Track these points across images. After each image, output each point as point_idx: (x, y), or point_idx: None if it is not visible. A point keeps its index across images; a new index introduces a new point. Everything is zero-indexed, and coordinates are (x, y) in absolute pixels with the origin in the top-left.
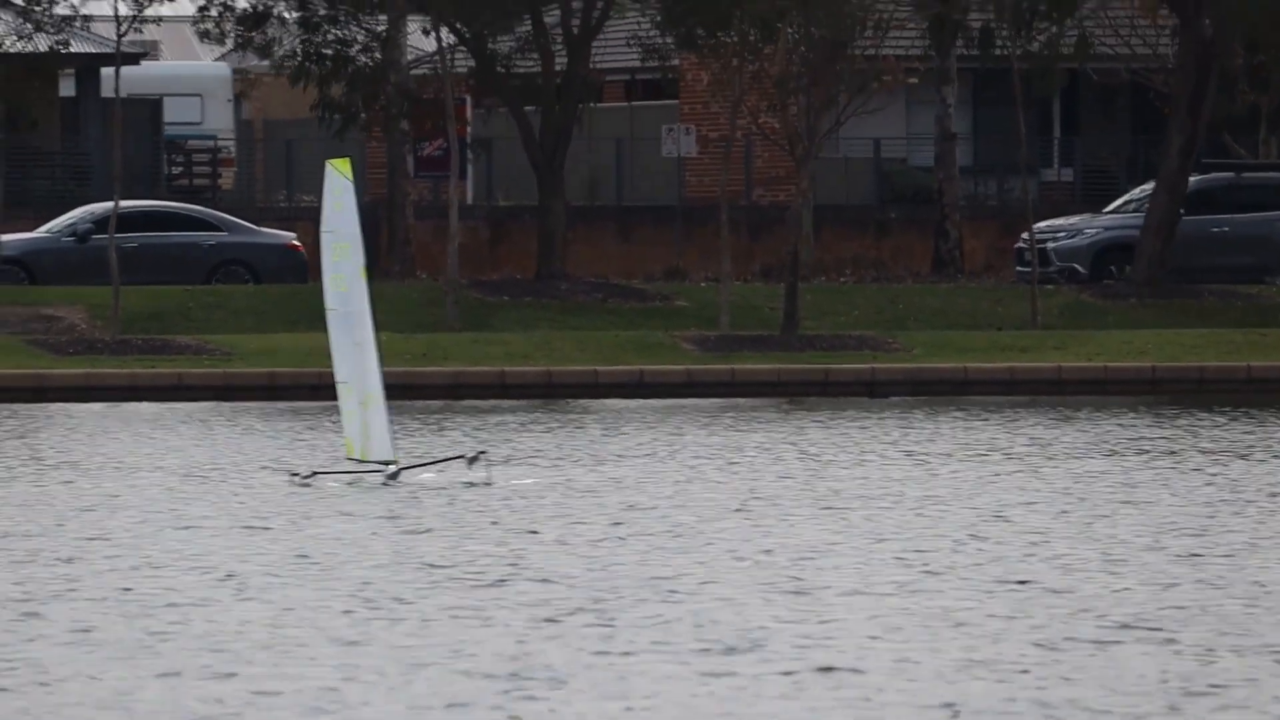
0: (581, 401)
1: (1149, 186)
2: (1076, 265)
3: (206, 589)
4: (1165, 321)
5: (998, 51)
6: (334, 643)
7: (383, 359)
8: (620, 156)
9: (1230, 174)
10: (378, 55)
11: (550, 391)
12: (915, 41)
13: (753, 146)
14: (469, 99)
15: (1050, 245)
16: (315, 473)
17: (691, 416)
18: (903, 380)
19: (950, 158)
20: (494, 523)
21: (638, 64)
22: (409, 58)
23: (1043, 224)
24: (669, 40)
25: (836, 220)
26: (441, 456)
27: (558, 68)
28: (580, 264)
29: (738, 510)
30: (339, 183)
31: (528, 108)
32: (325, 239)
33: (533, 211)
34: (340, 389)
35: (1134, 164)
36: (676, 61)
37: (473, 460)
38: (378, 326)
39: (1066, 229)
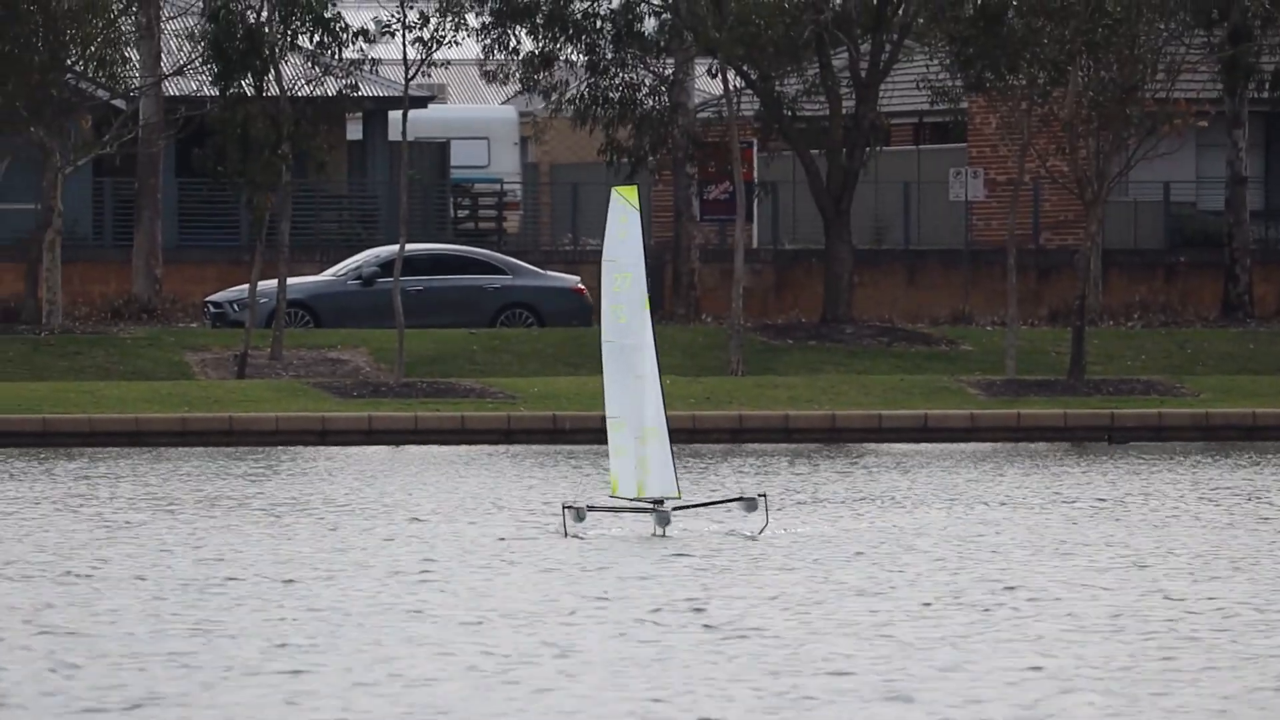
0: (874, 446)
1: None
2: None
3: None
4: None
5: None
6: None
7: (665, 393)
8: (907, 200)
9: None
10: (665, 98)
11: (834, 436)
12: (1206, 84)
13: (1041, 190)
14: (755, 142)
15: None
16: (591, 508)
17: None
18: (1190, 425)
19: (1241, 201)
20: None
21: (926, 107)
22: (696, 101)
23: None
24: (957, 83)
25: (1125, 264)
26: (719, 498)
27: (845, 110)
28: (866, 308)
29: None
30: (624, 210)
31: (814, 151)
32: (606, 268)
33: (818, 255)
34: (610, 424)
35: None
36: (965, 104)
37: (749, 502)
38: (661, 368)
39: None
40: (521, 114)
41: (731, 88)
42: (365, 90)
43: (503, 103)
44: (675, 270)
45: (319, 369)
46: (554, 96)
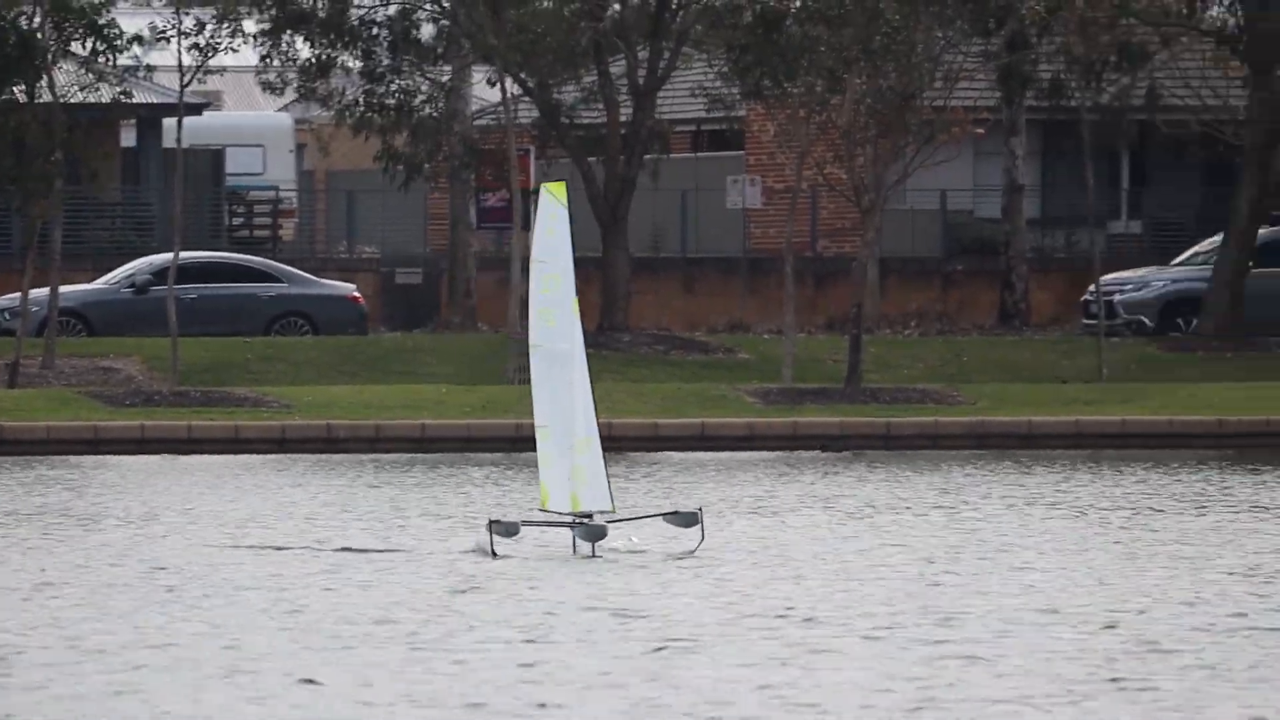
0: (646, 455)
1: (1218, 239)
2: (1143, 318)
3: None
4: (1233, 375)
5: (1066, 103)
6: None
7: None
8: (685, 208)
9: None
10: (442, 105)
11: (610, 445)
12: (984, 93)
13: (818, 198)
14: (532, 149)
15: (1117, 297)
16: (523, 522)
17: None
18: (965, 433)
19: (1017, 209)
20: None
21: (703, 114)
22: (473, 108)
23: (1110, 276)
24: (735, 91)
25: (902, 272)
26: (653, 511)
27: (622, 118)
28: (643, 316)
29: None
30: (553, 209)
31: (591, 159)
32: (535, 269)
33: (595, 263)
34: (539, 433)
35: (1203, 216)
36: (742, 112)
37: (685, 517)
38: (437, 376)
39: (1134, 281)
40: (298, 121)
41: (509, 95)
42: (139, 97)
43: (279, 109)
44: (452, 278)
45: (91, 377)
46: (331, 104)
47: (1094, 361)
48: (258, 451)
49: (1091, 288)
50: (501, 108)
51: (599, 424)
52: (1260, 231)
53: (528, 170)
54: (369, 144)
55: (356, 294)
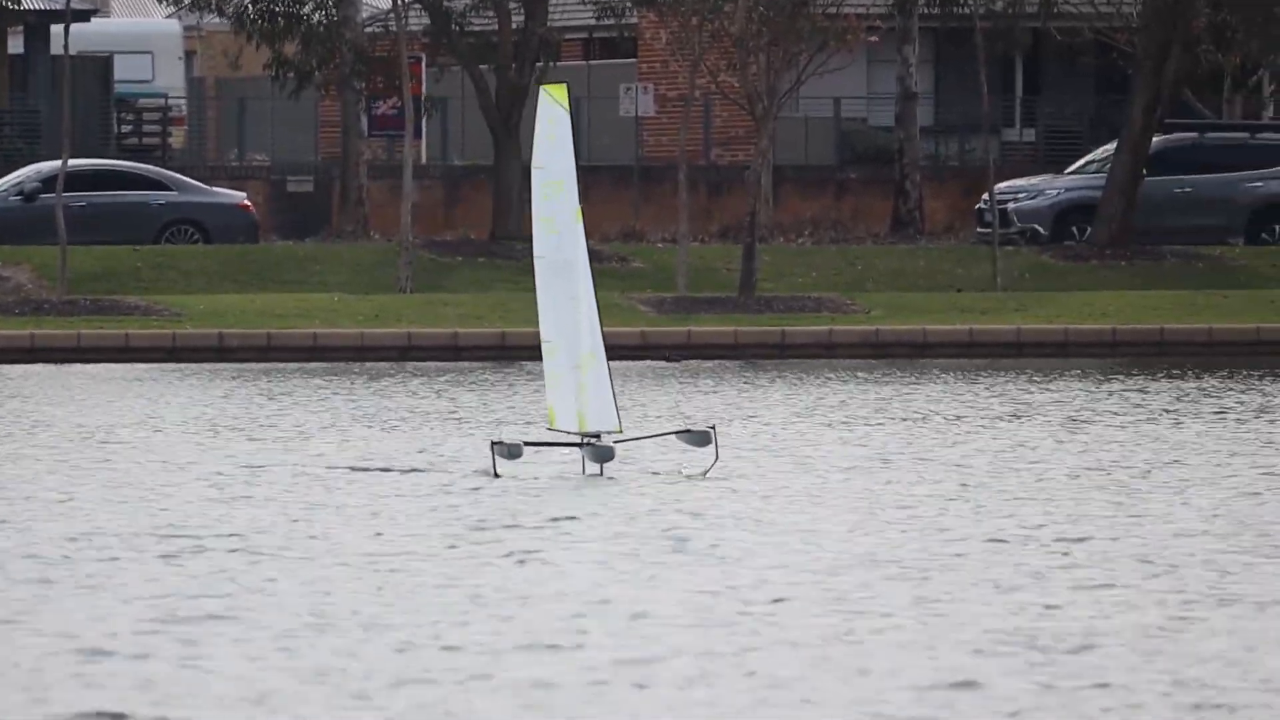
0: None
1: (1111, 147)
2: (1038, 226)
3: None
4: (1127, 283)
5: (960, 10)
6: None
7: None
8: (577, 116)
9: (1193, 134)
10: (332, 12)
11: (504, 353)
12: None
13: (712, 106)
14: (424, 57)
15: (1011, 206)
16: (528, 443)
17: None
18: (860, 342)
19: (911, 117)
20: None
21: (595, 22)
22: (364, 15)
23: (1004, 184)
24: None
25: (796, 180)
26: (664, 430)
27: (514, 26)
28: None
29: None
30: (553, 112)
31: (483, 66)
32: (535, 176)
33: (488, 172)
34: (544, 349)
35: (1097, 124)
36: (635, 19)
37: (699, 435)
38: (329, 285)
39: (1028, 189)
40: (186, 28)
41: (400, 2)
42: (27, 3)
43: (167, 16)
44: (344, 187)
45: None
46: (219, 10)
47: (988, 270)
48: (148, 360)
49: (985, 196)
50: (392, 14)
51: (491, 333)
52: (1153, 139)
53: (419, 78)
54: (260, 51)
55: (247, 202)
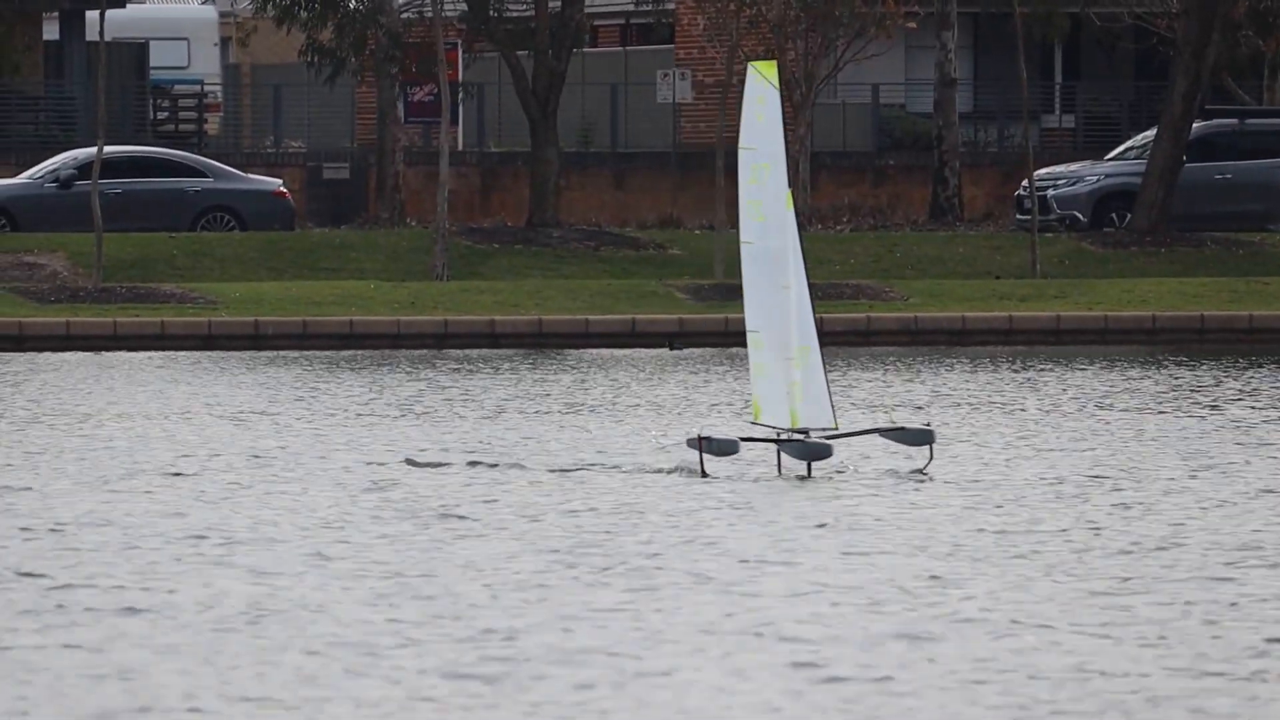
0: (586, 351)
1: (1151, 133)
2: (1077, 213)
3: None
4: (1166, 270)
5: None
6: None
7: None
8: (614, 102)
9: (1234, 120)
10: None
11: (540, 341)
12: None
13: None
14: (460, 43)
15: (1050, 193)
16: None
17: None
18: (898, 329)
19: (950, 104)
20: None
21: (632, 7)
22: (399, 1)
23: (1043, 171)
24: None
25: (834, 167)
26: (876, 426)
27: (551, 11)
28: (573, 211)
29: None
30: (762, 90)
31: (520, 52)
32: (743, 157)
33: (525, 158)
34: (750, 340)
35: (1136, 110)
36: (672, 5)
37: (917, 433)
38: (364, 272)
39: (1067, 176)
40: (222, 14)
41: None
42: None
43: (202, 2)
44: (380, 173)
45: (15, 274)
46: None
47: (1027, 257)
48: (183, 348)
49: (1025, 183)
50: (429, 1)
51: (527, 320)
52: (1193, 125)
53: (455, 64)
54: (294, 38)
55: (283, 189)
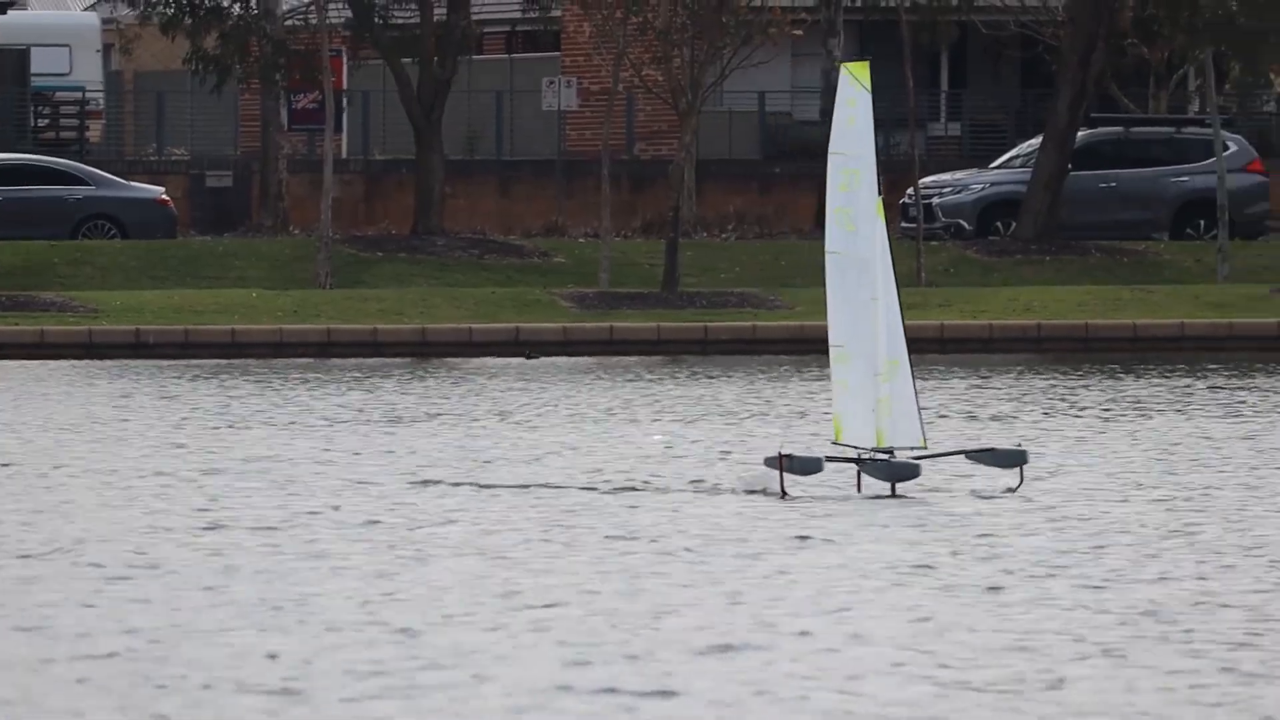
0: (468, 361)
1: (1036, 141)
2: (962, 221)
3: None
4: (1051, 278)
5: (885, 3)
6: None
7: (905, 319)
8: (499, 110)
9: (1119, 129)
10: (252, 6)
11: (424, 350)
12: None
13: (635, 100)
14: (344, 50)
15: (936, 201)
16: (830, 458)
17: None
18: (784, 338)
19: None
20: None
21: (518, 15)
22: (284, 8)
23: (928, 179)
24: None
25: (720, 175)
26: (967, 448)
27: (436, 19)
28: (458, 219)
29: None
30: (854, 93)
31: (405, 60)
32: (833, 162)
33: (410, 166)
34: (834, 355)
35: (1022, 118)
36: (558, 12)
37: (1010, 455)
38: (246, 280)
39: (953, 184)
40: (105, 21)
41: None
42: None
43: (85, 9)
44: (263, 181)
45: None
46: (139, 3)
47: (912, 265)
48: (64, 357)
49: (910, 191)
50: (313, 8)
51: (411, 329)
52: (1079, 134)
53: (340, 71)
54: (179, 45)
55: (165, 197)
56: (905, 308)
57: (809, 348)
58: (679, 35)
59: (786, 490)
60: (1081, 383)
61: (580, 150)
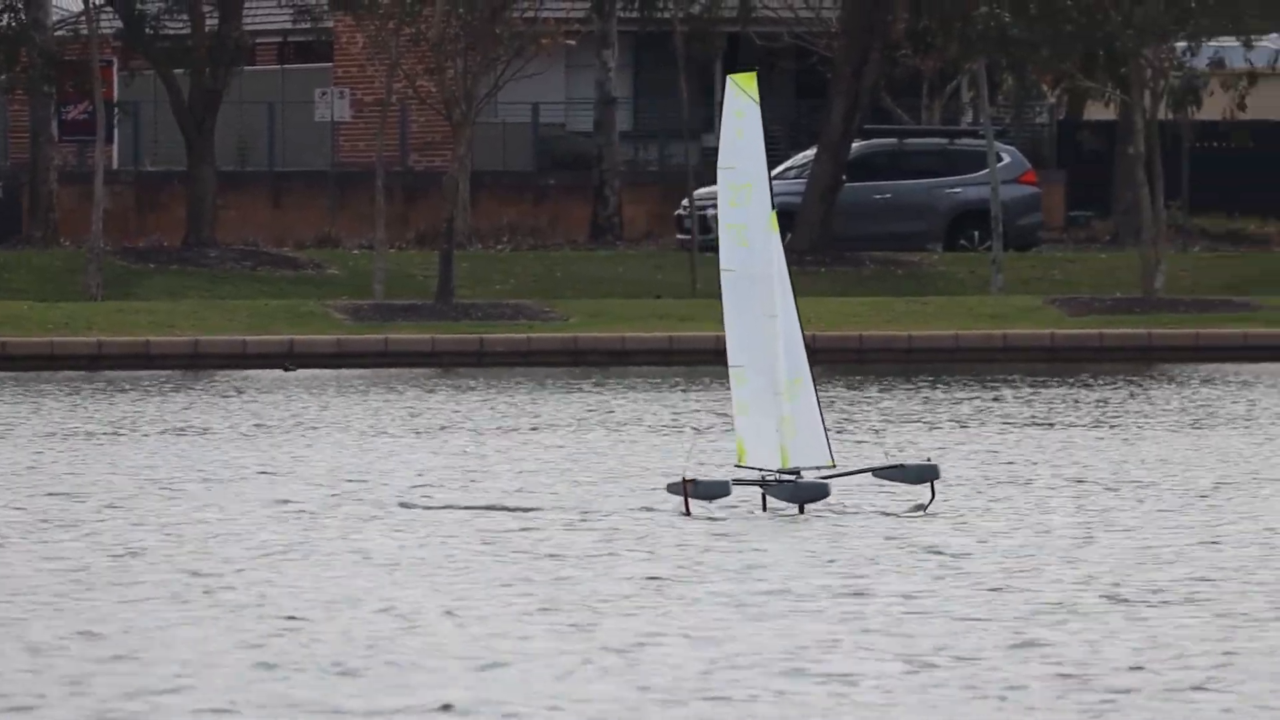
0: (235, 373)
1: (811, 153)
2: None
3: None
4: (826, 289)
5: (659, 13)
6: None
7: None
8: (272, 121)
9: (893, 140)
10: (21, 15)
11: (196, 362)
12: (576, 4)
13: (409, 111)
14: (115, 61)
15: (711, 212)
16: (735, 482)
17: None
18: (559, 350)
19: (610, 123)
20: None
21: (290, 25)
22: (54, 18)
23: (703, 190)
24: (323, 1)
25: (494, 186)
26: (873, 465)
27: (208, 29)
28: (230, 231)
29: None
30: (742, 105)
31: (176, 70)
32: (722, 177)
33: (181, 177)
34: (733, 375)
35: (796, 130)
36: (331, 23)
37: (919, 470)
38: (15, 293)
39: None
40: None
41: (91, 5)
42: None
43: None
44: (33, 192)
45: None
46: None
47: (687, 276)
48: None
49: (685, 202)
50: (83, 18)
51: (184, 341)
52: (853, 145)
53: (110, 82)
54: None
55: None
56: (680, 319)
57: (584, 359)
58: (452, 46)
59: (691, 511)
60: (862, 395)
61: (354, 161)
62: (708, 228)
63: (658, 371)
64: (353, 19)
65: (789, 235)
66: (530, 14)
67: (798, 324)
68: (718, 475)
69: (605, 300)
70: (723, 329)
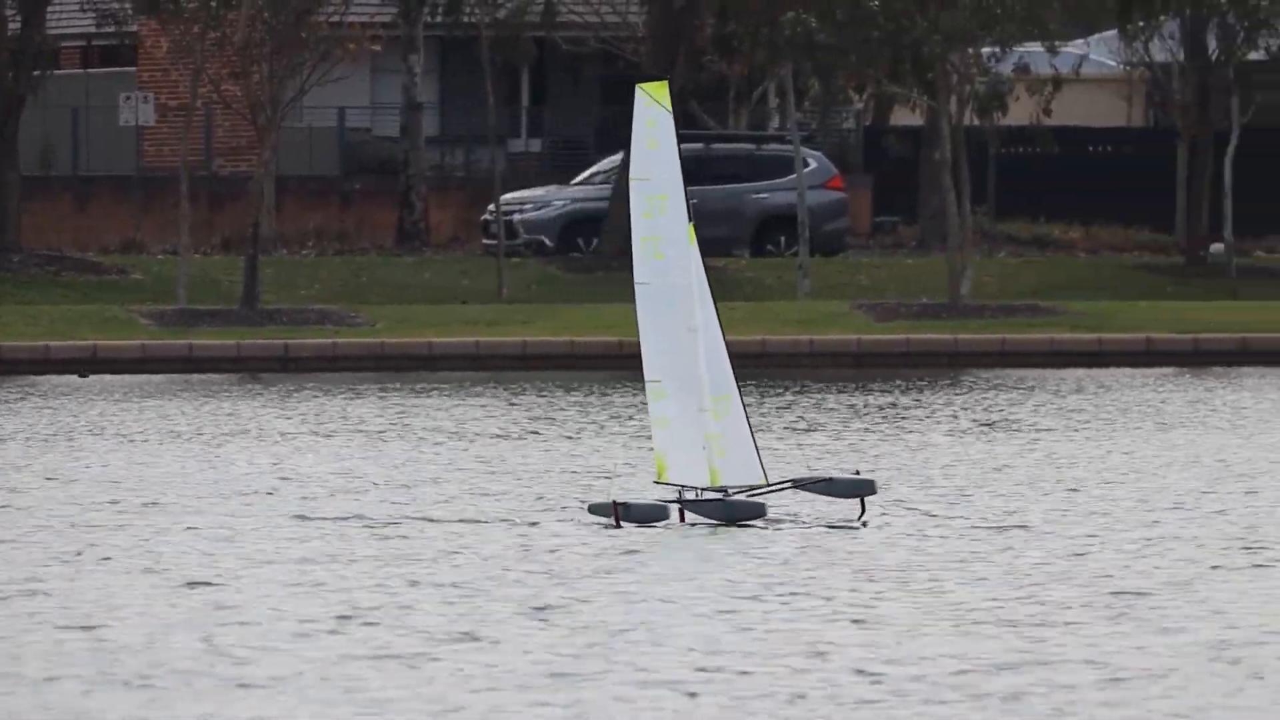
0: (39, 379)
1: (618, 158)
2: (544, 237)
3: None
4: (633, 296)
5: (465, 19)
6: None
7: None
8: (76, 125)
9: (700, 145)
10: None
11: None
12: (381, 8)
13: (214, 115)
14: None
15: (518, 217)
16: (672, 501)
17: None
18: (366, 355)
19: (416, 128)
20: None
21: (94, 29)
22: None
23: (510, 195)
24: (127, 5)
25: (299, 191)
26: (778, 482)
27: (10, 32)
28: (33, 236)
29: None
30: (653, 114)
31: None
32: (634, 189)
33: None
34: (650, 390)
35: (603, 135)
36: (135, 27)
37: (855, 484)
38: None
39: (534, 200)
40: None
41: None
42: None
43: None
44: None
45: None
46: None
47: (494, 282)
48: None
49: (491, 207)
50: None
51: None
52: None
53: None
54: None
55: None
56: (487, 324)
57: (391, 365)
58: (258, 50)
59: (621, 523)
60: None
61: (159, 166)
62: (515, 233)
63: (466, 376)
64: (157, 23)
65: (596, 240)
66: (336, 18)
67: (721, 337)
68: (648, 498)
69: (412, 306)
70: (537, 333)
